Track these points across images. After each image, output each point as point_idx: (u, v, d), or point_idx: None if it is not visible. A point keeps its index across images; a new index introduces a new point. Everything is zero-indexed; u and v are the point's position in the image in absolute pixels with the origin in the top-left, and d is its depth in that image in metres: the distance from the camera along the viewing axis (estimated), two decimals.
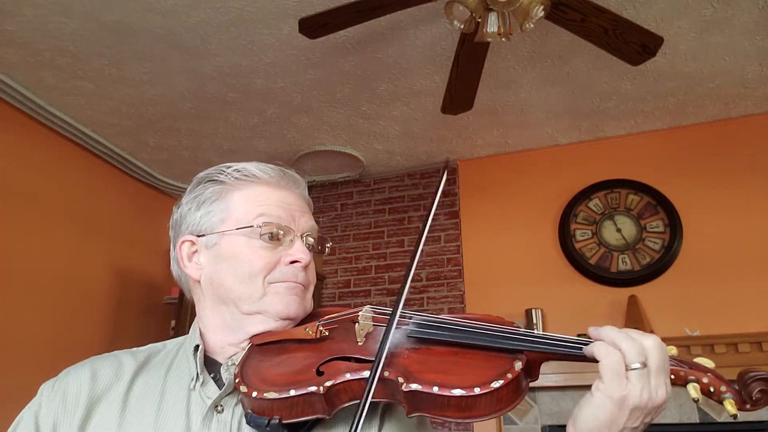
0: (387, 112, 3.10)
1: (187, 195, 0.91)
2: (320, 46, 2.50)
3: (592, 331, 0.69)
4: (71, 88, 2.78)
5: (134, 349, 0.92)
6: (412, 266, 0.76)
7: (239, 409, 0.78)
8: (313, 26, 2.07)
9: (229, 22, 2.38)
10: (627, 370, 0.64)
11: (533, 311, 3.06)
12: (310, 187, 4.36)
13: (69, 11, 2.29)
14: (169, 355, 0.89)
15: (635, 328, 2.54)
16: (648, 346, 0.65)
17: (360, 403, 0.63)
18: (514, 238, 3.37)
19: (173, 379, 0.84)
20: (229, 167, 0.89)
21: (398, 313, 0.72)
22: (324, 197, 3.87)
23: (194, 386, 0.81)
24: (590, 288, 3.14)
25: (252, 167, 0.89)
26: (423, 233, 0.79)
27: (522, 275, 3.28)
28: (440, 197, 0.80)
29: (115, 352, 0.91)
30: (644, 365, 0.64)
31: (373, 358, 0.69)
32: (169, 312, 3.61)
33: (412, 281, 3.63)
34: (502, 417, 2.92)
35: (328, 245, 0.95)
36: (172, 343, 0.93)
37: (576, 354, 0.69)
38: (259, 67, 2.69)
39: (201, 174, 0.92)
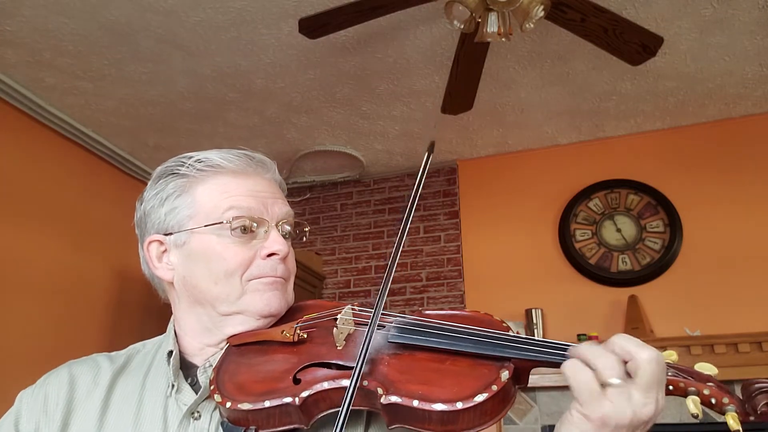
0: (387, 112, 3.09)
1: (148, 190, 0.85)
2: (320, 46, 2.50)
3: (571, 350, 0.64)
4: (71, 88, 2.78)
5: (114, 353, 0.89)
6: (396, 255, 0.70)
7: (217, 415, 0.74)
8: (313, 26, 2.07)
9: (228, 22, 2.38)
10: (605, 386, 0.58)
11: (533, 311, 3.06)
12: (310, 188, 4.35)
13: (69, 11, 2.29)
14: (148, 357, 0.86)
15: (635, 328, 2.52)
16: (642, 359, 0.58)
17: (338, 418, 0.59)
18: (514, 238, 3.37)
19: (151, 385, 0.81)
20: (190, 158, 0.83)
21: (376, 322, 0.67)
22: (324, 197, 3.87)
23: (170, 393, 0.78)
24: (590, 288, 3.14)
25: (214, 156, 0.82)
26: (408, 217, 0.73)
27: (522, 275, 3.27)
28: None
29: (93, 355, 0.88)
30: (623, 380, 0.58)
31: (353, 364, 0.65)
32: (168, 312, 3.60)
33: (410, 281, 3.62)
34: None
35: (307, 229, 0.88)
36: (151, 343, 0.90)
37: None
38: (259, 67, 2.68)
39: (161, 167, 0.85)
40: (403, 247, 3.57)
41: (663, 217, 3.12)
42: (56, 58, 2.56)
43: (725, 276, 2.93)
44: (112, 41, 2.47)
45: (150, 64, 2.63)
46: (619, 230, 3.19)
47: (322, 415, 0.69)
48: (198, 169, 0.82)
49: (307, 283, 3.42)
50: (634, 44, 2.07)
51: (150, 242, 0.84)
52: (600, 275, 3.12)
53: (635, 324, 2.87)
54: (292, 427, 0.69)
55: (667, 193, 3.14)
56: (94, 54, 2.55)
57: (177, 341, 0.84)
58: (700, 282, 2.96)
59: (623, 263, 3.12)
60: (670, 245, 3.04)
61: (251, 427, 0.69)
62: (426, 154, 0.78)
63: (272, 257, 0.80)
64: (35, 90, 2.79)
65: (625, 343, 0.60)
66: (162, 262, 0.83)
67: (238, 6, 2.29)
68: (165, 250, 0.83)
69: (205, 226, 0.79)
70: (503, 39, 1.92)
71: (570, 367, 0.61)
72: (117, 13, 2.31)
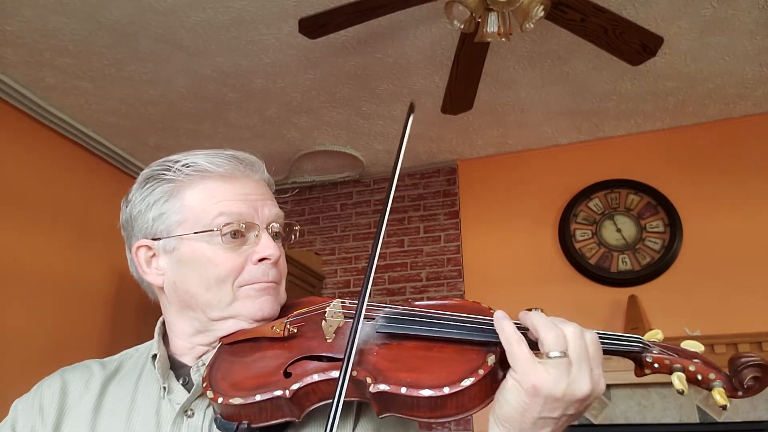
0: (387, 112, 3.09)
1: (134, 193, 0.84)
2: (320, 46, 2.50)
3: (521, 315, 0.66)
4: (71, 88, 2.78)
5: (107, 358, 0.89)
6: (379, 237, 0.70)
7: (211, 412, 0.75)
8: (313, 26, 2.07)
9: (228, 22, 2.38)
10: (546, 357, 0.60)
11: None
12: (311, 188, 4.35)
13: (69, 11, 2.29)
14: (140, 361, 0.86)
15: (635, 328, 2.51)
16: (568, 333, 0.61)
17: (330, 411, 0.60)
18: (514, 238, 3.37)
19: (144, 387, 0.81)
20: (177, 162, 0.82)
21: (362, 315, 0.68)
22: (324, 197, 3.87)
23: (163, 395, 0.79)
24: (590, 288, 3.14)
25: (201, 160, 0.81)
26: (394, 176, 0.73)
27: (522, 275, 3.27)
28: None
29: (86, 361, 0.89)
30: (564, 354, 0.60)
31: (342, 356, 0.65)
32: None
33: (410, 281, 3.60)
34: None
35: (297, 228, 0.88)
36: (143, 347, 0.91)
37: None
38: (259, 67, 2.68)
39: (146, 171, 0.84)
40: (404, 246, 3.58)
41: (663, 217, 3.12)
42: (56, 58, 2.56)
43: (725, 276, 2.93)
44: (112, 41, 2.47)
45: (150, 64, 2.63)
46: (619, 230, 3.19)
47: (313, 407, 0.70)
48: (185, 174, 0.81)
49: (307, 283, 3.42)
50: (634, 44, 2.07)
51: (138, 247, 0.83)
52: (600, 275, 3.12)
53: (635, 324, 2.86)
54: (284, 420, 0.70)
55: (667, 193, 3.14)
56: (94, 54, 2.55)
57: (167, 343, 0.84)
58: (700, 282, 2.96)
59: (623, 263, 3.12)
60: (670, 245, 3.04)
61: (244, 421, 0.70)
62: (407, 116, 0.79)
63: (263, 262, 0.80)
64: (35, 90, 2.79)
65: (556, 320, 0.64)
66: (151, 267, 0.83)
67: (238, 6, 2.29)
68: (153, 255, 0.82)
69: (195, 233, 0.79)
70: (503, 39, 1.92)
71: (509, 332, 0.64)
72: (117, 13, 2.31)
